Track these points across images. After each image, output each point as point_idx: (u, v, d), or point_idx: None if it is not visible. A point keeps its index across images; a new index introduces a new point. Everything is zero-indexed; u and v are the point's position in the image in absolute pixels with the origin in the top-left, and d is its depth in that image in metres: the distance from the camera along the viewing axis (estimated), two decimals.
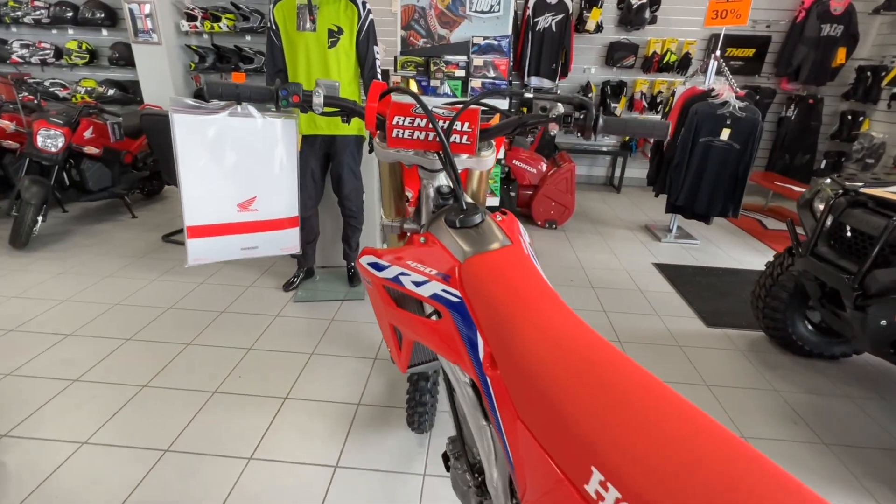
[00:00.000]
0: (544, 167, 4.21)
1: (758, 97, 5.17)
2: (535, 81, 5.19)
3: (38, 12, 5.28)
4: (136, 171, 4.12)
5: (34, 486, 1.50)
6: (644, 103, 5.31)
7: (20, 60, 5.40)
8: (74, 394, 1.93)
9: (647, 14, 4.95)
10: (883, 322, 1.66)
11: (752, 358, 2.38)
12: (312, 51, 2.34)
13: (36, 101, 3.62)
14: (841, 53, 4.88)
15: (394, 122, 0.93)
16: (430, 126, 0.92)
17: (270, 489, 1.53)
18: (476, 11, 2.92)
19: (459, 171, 1.00)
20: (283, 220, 1.12)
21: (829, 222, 1.90)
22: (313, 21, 2.32)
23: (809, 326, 2.32)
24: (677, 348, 2.43)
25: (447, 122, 0.94)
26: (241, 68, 5.32)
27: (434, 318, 0.87)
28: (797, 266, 2.00)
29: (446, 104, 1.03)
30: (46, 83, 5.40)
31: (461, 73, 2.83)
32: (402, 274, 0.89)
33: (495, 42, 2.92)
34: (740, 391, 2.12)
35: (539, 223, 4.20)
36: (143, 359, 2.16)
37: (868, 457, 1.78)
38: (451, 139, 0.96)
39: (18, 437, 1.70)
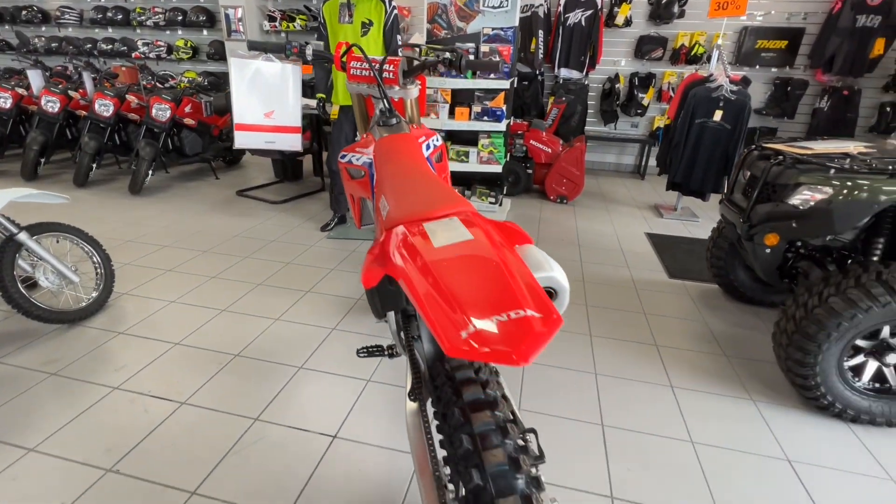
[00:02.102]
0: (559, 147, 4.66)
1: (789, 88, 5.25)
2: (564, 73, 5.62)
3: (156, 16, 6.54)
4: (220, 141, 5.12)
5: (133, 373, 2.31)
6: (671, 94, 5.55)
7: (141, 56, 6.70)
8: (171, 282, 2.77)
9: (676, 8, 5.21)
10: (767, 250, 2.04)
11: (697, 300, 2.75)
12: (349, 38, 3.05)
13: (153, 84, 4.68)
14: (879, 44, 4.85)
15: (351, 65, 1.56)
16: (370, 68, 1.54)
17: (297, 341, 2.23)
18: (488, 7, 3.49)
19: (396, 100, 1.62)
20: (290, 127, 1.77)
21: (743, 175, 2.27)
22: (350, 15, 3.02)
23: (748, 275, 2.65)
24: (632, 290, 2.85)
25: (379, 65, 1.55)
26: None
27: (364, 176, 1.49)
28: (721, 211, 2.39)
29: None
30: (160, 73, 6.66)
31: (471, 57, 3.41)
32: (353, 156, 1.52)
33: (502, 32, 3.47)
34: (672, 319, 2.53)
35: (551, 198, 4.66)
36: (214, 260, 2.97)
37: (756, 366, 2.15)
38: (384, 76, 1.57)
39: (133, 335, 2.54)
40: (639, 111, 5.69)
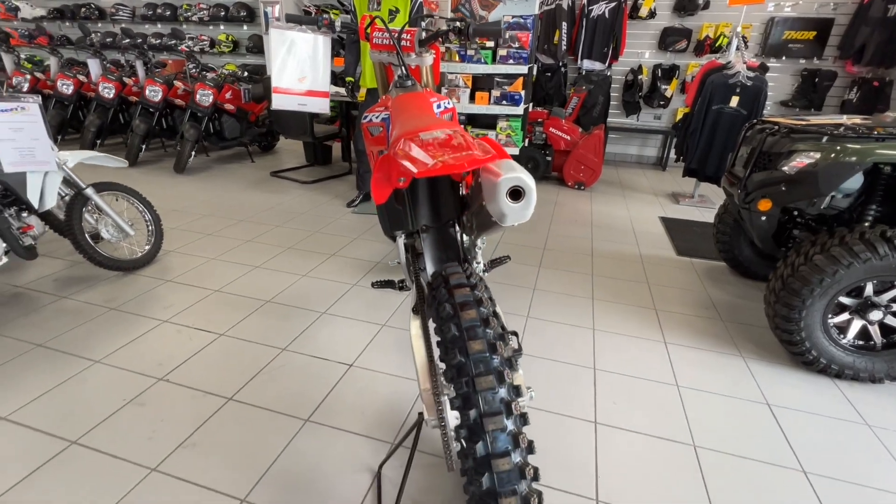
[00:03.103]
0: (578, 135, 4.78)
1: (817, 80, 5.20)
2: (587, 64, 5.72)
3: (201, 12, 6.98)
4: (257, 127, 5.46)
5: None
6: None
7: (187, 49, 7.16)
8: (210, 244, 3.06)
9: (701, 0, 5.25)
10: (762, 217, 2.14)
11: (702, 274, 2.85)
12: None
13: (197, 72, 5.06)
14: None
15: (374, 35, 1.77)
16: (390, 37, 1.74)
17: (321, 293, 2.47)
18: None
19: (413, 67, 1.82)
20: (320, 91, 2.00)
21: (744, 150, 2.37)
22: (378, 4, 3.25)
23: (752, 251, 2.73)
24: (639, 263, 2.97)
25: (397, 34, 1.75)
26: (341, 53, 6.53)
27: (382, 132, 1.70)
28: (721, 184, 2.49)
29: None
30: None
31: (491, 44, 3.60)
32: (373, 115, 1.73)
33: (522, 20, 3.63)
34: (675, 289, 2.64)
35: (569, 184, 4.78)
36: (249, 227, 3.25)
37: (751, 330, 2.25)
38: (402, 44, 1.77)
39: (179, 283, 2.83)
40: (661, 103, 5.73)
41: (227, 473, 1.37)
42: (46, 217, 2.35)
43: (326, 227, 3.37)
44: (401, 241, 1.43)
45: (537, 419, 1.62)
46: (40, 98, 1.99)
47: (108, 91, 4.95)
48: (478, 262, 1.68)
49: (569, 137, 4.77)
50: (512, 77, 3.76)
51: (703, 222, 3.83)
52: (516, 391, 0.87)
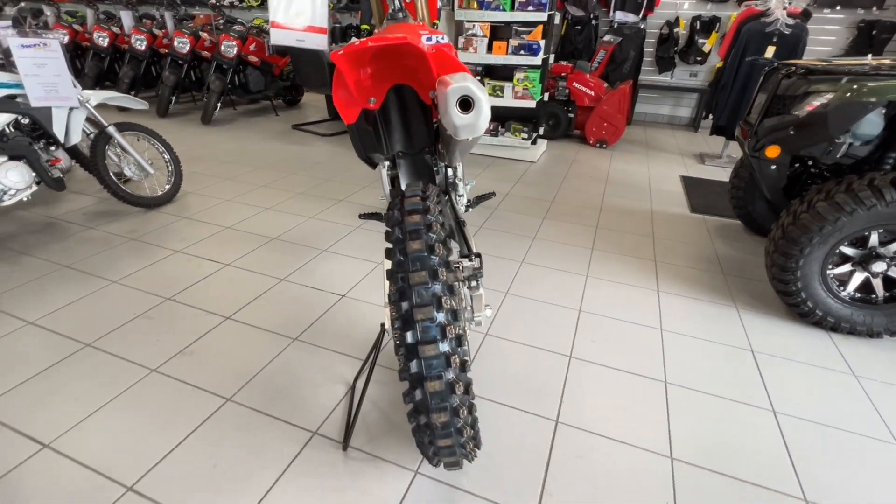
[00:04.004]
0: (603, 91, 4.60)
1: (874, 32, 4.75)
2: (619, 16, 5.41)
3: None
4: (281, 81, 5.52)
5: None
6: None
7: (215, 2, 7.22)
8: (227, 187, 3.19)
9: None
10: (772, 166, 2.05)
11: (713, 231, 2.77)
12: None
13: (223, 24, 5.13)
14: None
15: None
16: None
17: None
18: None
19: (408, 1, 1.80)
20: (318, 27, 2.02)
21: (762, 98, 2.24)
22: None
23: (767, 207, 2.62)
24: (648, 219, 2.91)
25: None
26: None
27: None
28: (735, 134, 2.38)
29: None
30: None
31: None
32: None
33: None
34: (680, 243, 2.59)
35: (591, 142, 4.65)
36: (265, 174, 3.37)
37: (751, 283, 2.20)
38: None
39: (194, 220, 2.98)
40: (698, 59, 5.40)
41: (218, 378, 1.50)
42: (74, 153, 2.52)
43: (339, 176, 3.45)
44: (384, 171, 1.46)
45: (513, 351, 1.67)
46: (61, 36, 2.10)
47: (139, 43, 5.11)
48: (460, 195, 1.71)
49: (593, 93, 4.60)
50: (531, 25, 3.63)
51: (724, 182, 3.67)
52: (450, 290, 0.91)
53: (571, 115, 4.73)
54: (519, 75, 3.77)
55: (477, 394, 1.47)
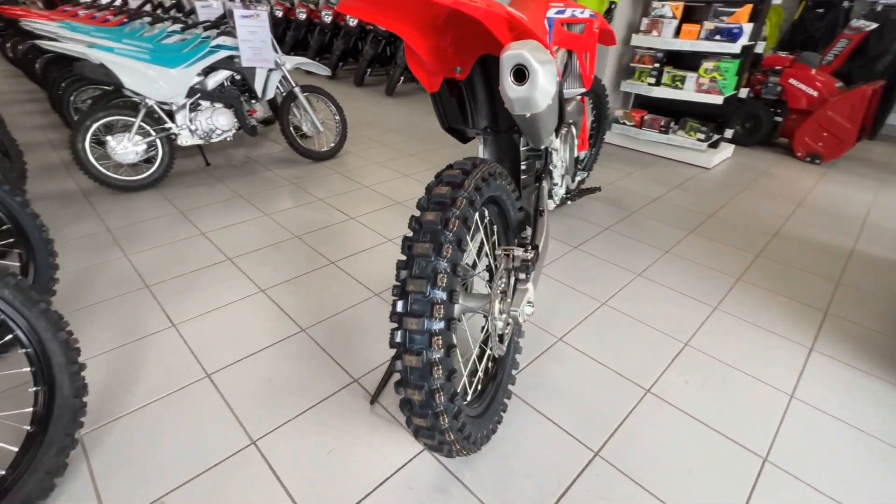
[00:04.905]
0: (833, 90, 3.62)
1: None
2: None
3: None
4: None
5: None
6: None
7: None
8: (382, 152, 3.52)
9: None
10: None
11: None
12: None
13: None
14: None
15: None
16: None
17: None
18: None
19: None
20: None
21: None
22: None
23: None
24: (840, 259, 2.24)
25: None
26: None
27: None
28: None
29: None
30: None
31: None
32: None
33: None
34: (872, 296, 1.94)
35: (799, 155, 3.73)
36: (418, 144, 3.61)
37: None
38: None
39: (345, 176, 3.36)
40: None
41: (303, 309, 1.71)
42: (271, 106, 3.07)
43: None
44: (480, 146, 1.43)
45: (583, 365, 1.50)
46: (268, 7, 2.55)
47: (326, 17, 5.88)
48: (555, 184, 1.56)
49: (815, 93, 3.66)
50: (736, 4, 3.03)
51: None
52: (453, 269, 0.86)
53: (779, 119, 3.85)
54: (707, 65, 3.21)
55: (522, 397, 1.37)
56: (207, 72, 2.67)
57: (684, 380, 1.46)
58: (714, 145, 3.55)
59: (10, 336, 1.09)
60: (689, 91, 3.33)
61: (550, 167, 1.51)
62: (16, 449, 1.05)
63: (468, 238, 0.91)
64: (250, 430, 1.24)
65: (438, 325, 0.84)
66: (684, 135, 3.53)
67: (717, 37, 3.13)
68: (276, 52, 2.78)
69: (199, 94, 2.65)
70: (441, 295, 0.84)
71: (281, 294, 1.79)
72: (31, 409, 1.09)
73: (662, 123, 3.55)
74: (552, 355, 1.54)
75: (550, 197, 1.60)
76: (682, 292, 1.91)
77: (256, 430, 1.24)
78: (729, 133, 3.61)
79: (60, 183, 2.69)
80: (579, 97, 1.94)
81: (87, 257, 1.98)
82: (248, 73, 2.75)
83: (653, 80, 3.48)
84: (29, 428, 1.07)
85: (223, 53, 2.65)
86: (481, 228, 1.19)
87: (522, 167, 1.52)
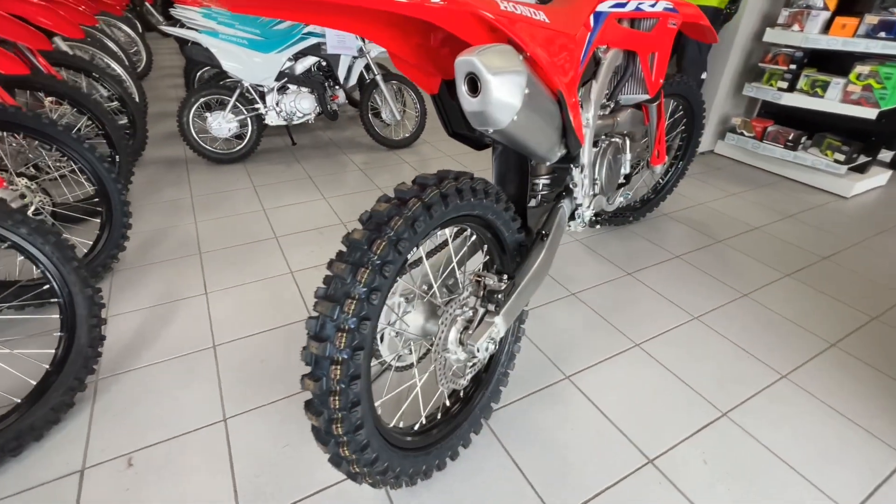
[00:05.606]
0: None
1: None
2: None
3: None
4: None
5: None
6: None
7: None
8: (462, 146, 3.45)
9: None
10: None
11: None
12: None
13: None
14: None
15: None
16: None
17: None
18: None
19: None
20: None
21: None
22: None
23: None
24: None
25: None
26: None
27: None
28: None
29: None
30: None
31: None
32: None
33: None
34: None
35: None
36: None
37: None
38: None
39: (412, 166, 3.34)
40: None
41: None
42: (350, 92, 3.17)
43: None
44: (492, 155, 1.31)
45: (580, 415, 1.31)
46: None
47: None
48: (578, 203, 1.35)
49: None
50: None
51: None
52: (371, 292, 0.78)
53: None
54: (862, 69, 2.57)
55: (497, 433, 1.25)
56: (297, 57, 2.84)
57: (703, 459, 1.20)
58: (860, 170, 2.86)
59: (47, 286, 1.27)
60: (832, 101, 2.71)
61: (570, 185, 1.32)
62: (34, 383, 1.23)
63: (398, 262, 0.82)
64: (227, 407, 1.31)
65: (342, 355, 0.77)
66: (818, 153, 2.89)
67: (882, 33, 2.47)
68: (359, 40, 2.85)
69: (286, 78, 2.84)
70: (349, 321, 0.77)
71: (306, 278, 1.86)
72: (53, 351, 1.27)
73: (791, 137, 2.94)
74: (551, 394, 1.38)
75: (573, 219, 1.40)
76: (744, 348, 1.58)
77: (233, 407, 1.31)
78: (888, 156, 2.88)
79: (175, 150, 3.10)
80: (635, 105, 1.68)
81: (166, 220, 2.26)
82: (333, 60, 2.86)
83: (785, 85, 2.89)
84: (48, 367, 1.25)
85: (312, 40, 2.79)
86: (451, 249, 1.08)
87: (544, 181, 1.35)
